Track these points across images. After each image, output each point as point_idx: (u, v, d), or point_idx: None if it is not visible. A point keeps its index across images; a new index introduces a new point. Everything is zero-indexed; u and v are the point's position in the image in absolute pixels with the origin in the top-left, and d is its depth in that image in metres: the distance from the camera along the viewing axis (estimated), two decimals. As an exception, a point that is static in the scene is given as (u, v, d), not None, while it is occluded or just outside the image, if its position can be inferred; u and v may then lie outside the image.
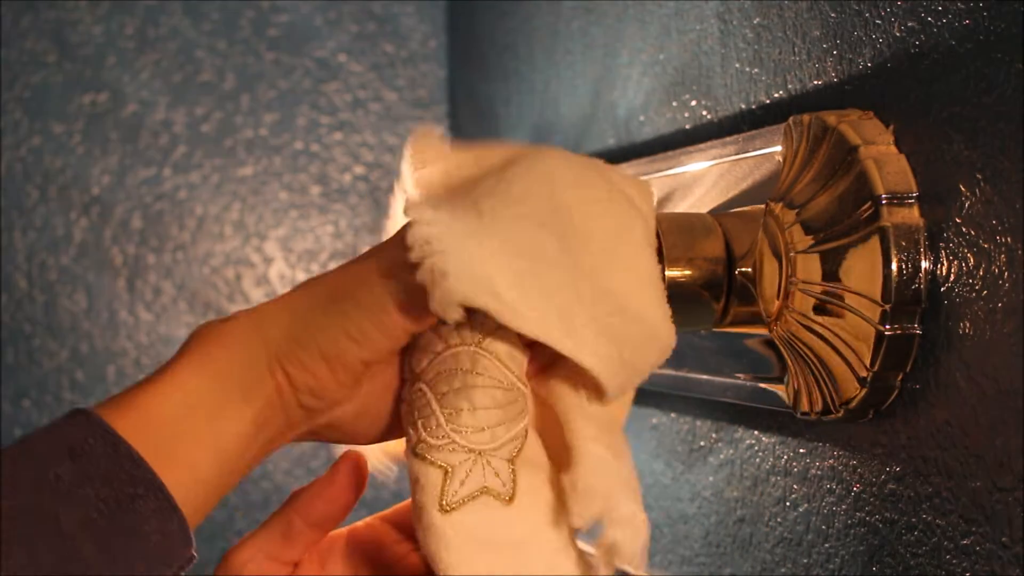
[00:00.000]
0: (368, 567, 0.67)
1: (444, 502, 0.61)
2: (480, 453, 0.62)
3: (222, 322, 0.62)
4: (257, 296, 1.43)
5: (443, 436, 0.62)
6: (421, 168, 0.66)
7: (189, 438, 0.59)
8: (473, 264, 0.58)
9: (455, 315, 0.58)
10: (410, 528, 0.68)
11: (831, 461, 0.70)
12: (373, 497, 1.42)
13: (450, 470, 0.62)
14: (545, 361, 0.65)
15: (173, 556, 0.56)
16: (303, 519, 0.65)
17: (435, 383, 0.63)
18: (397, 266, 0.60)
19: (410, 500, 0.66)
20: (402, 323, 0.60)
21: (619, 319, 0.61)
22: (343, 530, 0.68)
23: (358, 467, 0.66)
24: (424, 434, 0.63)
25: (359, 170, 1.46)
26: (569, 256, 0.61)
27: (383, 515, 0.70)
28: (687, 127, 0.85)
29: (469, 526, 0.61)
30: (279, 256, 1.44)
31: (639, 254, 0.63)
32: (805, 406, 0.67)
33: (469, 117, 1.40)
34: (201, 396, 0.59)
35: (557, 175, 0.62)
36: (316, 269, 1.44)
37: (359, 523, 0.69)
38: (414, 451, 0.63)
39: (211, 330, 0.61)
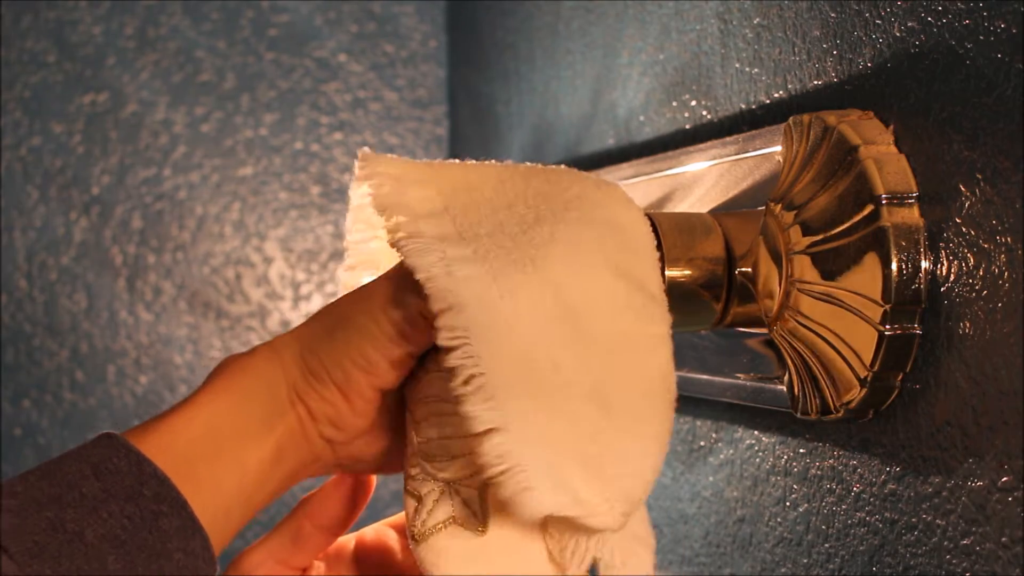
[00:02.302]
0: (376, 572, 0.68)
1: (414, 532, 0.62)
2: (448, 483, 0.62)
3: (244, 355, 0.63)
4: (257, 296, 1.43)
5: (416, 465, 0.62)
6: (379, 188, 0.62)
7: (213, 459, 0.59)
8: (552, 475, 0.57)
9: (539, 521, 0.59)
10: None
11: (831, 461, 0.70)
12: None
13: (420, 499, 0.62)
14: None
15: (196, 575, 0.56)
16: (313, 523, 0.65)
17: (414, 411, 0.63)
18: (396, 293, 0.60)
19: None
20: (404, 348, 0.61)
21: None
22: (351, 536, 0.68)
23: None
24: (407, 464, 0.63)
25: (359, 170, 1.46)
26: (610, 412, 0.60)
27: (391, 522, 0.70)
28: (687, 127, 0.85)
29: (442, 555, 0.61)
30: (279, 256, 1.44)
31: (660, 370, 0.62)
32: (805, 406, 0.67)
33: (469, 117, 1.40)
34: (225, 421, 0.60)
35: (566, 289, 0.60)
36: (316, 269, 1.44)
37: (367, 529, 0.69)
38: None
39: (233, 363, 0.62)
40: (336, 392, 0.61)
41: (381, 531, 0.69)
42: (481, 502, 0.61)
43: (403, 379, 0.63)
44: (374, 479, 0.67)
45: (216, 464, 0.59)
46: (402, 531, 0.69)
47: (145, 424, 0.59)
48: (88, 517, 0.54)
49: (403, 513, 0.70)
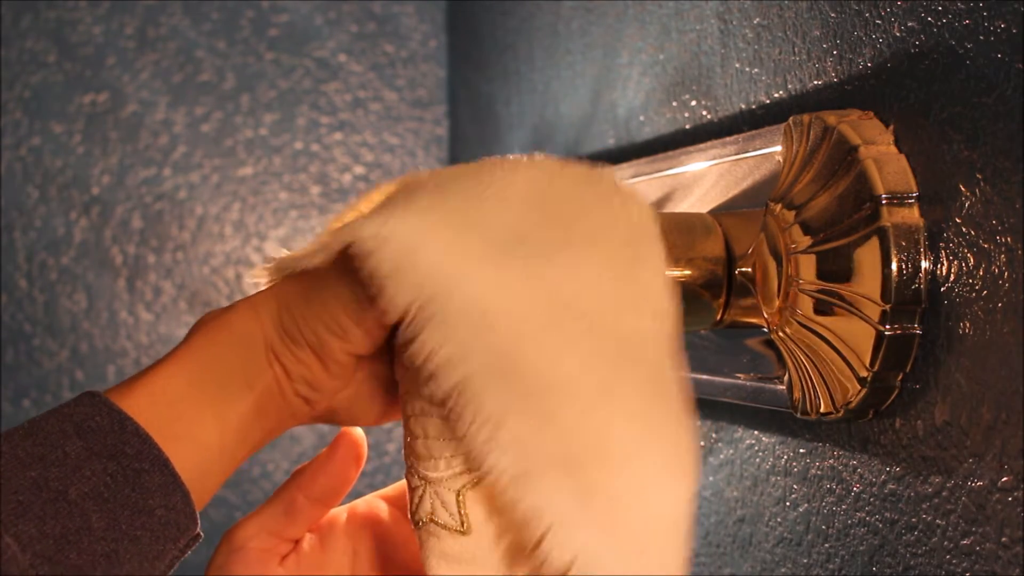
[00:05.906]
0: (368, 543, 0.68)
1: (412, 518, 0.62)
2: (430, 482, 0.62)
3: (224, 311, 0.63)
4: (257, 296, 1.43)
5: (407, 457, 0.63)
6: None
7: (193, 416, 0.59)
8: (587, 551, 0.57)
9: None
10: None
11: (831, 461, 0.70)
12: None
13: (412, 491, 0.62)
14: None
15: (179, 531, 0.57)
16: (305, 495, 0.66)
17: (406, 402, 0.63)
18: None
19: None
20: (377, 318, 0.60)
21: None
22: (343, 508, 0.69)
23: (356, 442, 0.67)
24: (404, 452, 0.64)
25: (359, 170, 1.46)
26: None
27: (382, 494, 0.70)
28: (687, 127, 0.85)
29: (422, 549, 0.62)
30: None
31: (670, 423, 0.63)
32: (805, 406, 0.67)
33: (469, 117, 1.40)
34: (205, 378, 0.60)
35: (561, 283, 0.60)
36: (316, 269, 1.45)
37: (358, 501, 0.70)
38: None
39: (214, 319, 0.62)
40: (311, 354, 0.61)
41: (373, 503, 0.70)
42: (460, 505, 0.61)
43: (379, 346, 0.62)
44: (365, 450, 0.67)
45: (196, 421, 0.59)
46: (393, 503, 0.70)
47: (127, 381, 0.60)
48: (71, 475, 0.55)
49: (394, 485, 0.71)
